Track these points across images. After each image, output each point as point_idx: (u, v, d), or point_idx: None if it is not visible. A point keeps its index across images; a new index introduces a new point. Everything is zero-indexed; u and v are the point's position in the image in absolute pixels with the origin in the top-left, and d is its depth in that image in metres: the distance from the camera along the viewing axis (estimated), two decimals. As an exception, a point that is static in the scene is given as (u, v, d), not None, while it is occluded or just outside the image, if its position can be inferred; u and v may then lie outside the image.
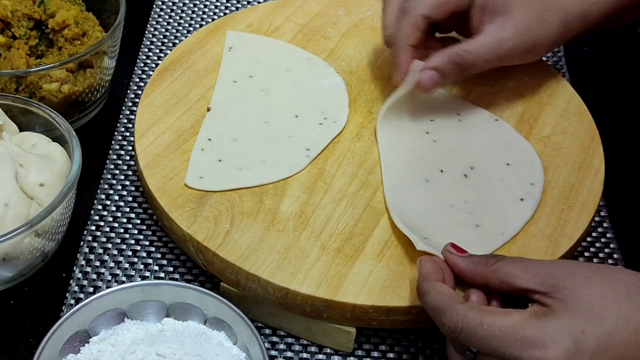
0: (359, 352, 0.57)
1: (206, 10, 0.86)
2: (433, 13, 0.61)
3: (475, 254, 0.52)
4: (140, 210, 0.66)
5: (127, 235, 0.64)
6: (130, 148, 0.71)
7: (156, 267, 0.62)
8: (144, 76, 0.77)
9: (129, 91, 0.76)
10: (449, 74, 0.61)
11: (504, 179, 0.61)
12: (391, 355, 0.57)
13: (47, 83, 0.65)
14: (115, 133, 0.72)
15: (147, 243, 0.63)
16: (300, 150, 0.63)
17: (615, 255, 0.64)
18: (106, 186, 0.67)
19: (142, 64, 0.79)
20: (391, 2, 0.63)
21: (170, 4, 0.86)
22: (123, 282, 0.60)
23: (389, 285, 0.54)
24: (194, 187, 0.59)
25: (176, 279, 0.61)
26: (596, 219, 0.64)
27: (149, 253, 0.63)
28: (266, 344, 0.57)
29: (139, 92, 0.76)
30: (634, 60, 0.82)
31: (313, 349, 0.57)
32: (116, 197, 0.66)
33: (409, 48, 0.61)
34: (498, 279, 0.48)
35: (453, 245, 0.53)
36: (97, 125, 0.72)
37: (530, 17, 0.60)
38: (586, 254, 0.64)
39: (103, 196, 0.66)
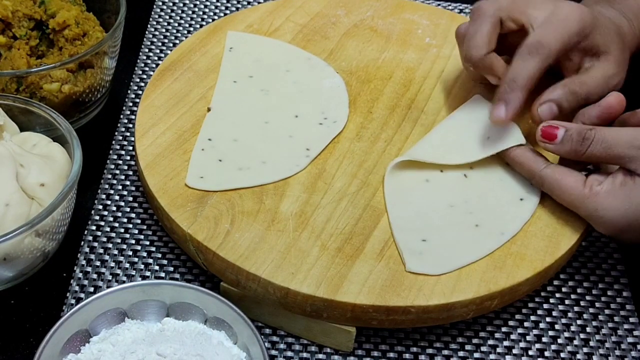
0: (359, 352, 0.57)
1: (206, 10, 0.86)
2: (558, 57, 0.61)
3: (566, 136, 0.57)
4: (141, 210, 0.66)
5: (127, 235, 0.64)
6: (131, 148, 0.71)
7: (157, 267, 0.62)
8: (145, 76, 0.77)
9: (129, 91, 0.76)
10: (566, 105, 0.61)
11: (504, 179, 0.61)
12: (391, 354, 0.57)
13: (47, 83, 0.66)
14: (116, 133, 0.72)
15: (148, 243, 0.63)
16: (300, 150, 0.63)
17: (615, 255, 0.64)
18: (107, 186, 0.67)
19: (142, 64, 0.79)
20: (486, 18, 0.61)
21: (171, 4, 0.86)
22: (123, 282, 0.60)
23: (389, 285, 0.54)
24: (195, 187, 0.59)
25: (176, 279, 0.61)
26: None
27: (149, 253, 0.63)
28: (266, 344, 0.57)
29: (140, 92, 0.76)
30: (633, 61, 0.82)
31: (313, 348, 0.57)
32: (117, 197, 0.67)
33: (528, 92, 0.60)
34: (592, 162, 0.58)
35: (543, 134, 0.58)
36: (97, 125, 0.72)
37: (622, 57, 0.63)
38: (586, 253, 0.64)
39: (103, 196, 0.67)
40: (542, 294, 0.61)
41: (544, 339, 0.58)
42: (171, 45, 0.81)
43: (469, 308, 0.54)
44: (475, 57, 0.61)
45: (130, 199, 0.66)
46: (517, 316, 0.60)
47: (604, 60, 0.62)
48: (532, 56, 0.59)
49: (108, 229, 0.64)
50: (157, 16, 0.84)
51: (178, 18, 0.84)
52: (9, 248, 0.54)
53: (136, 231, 0.64)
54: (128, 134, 0.72)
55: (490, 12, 0.61)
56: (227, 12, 0.86)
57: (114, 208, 0.66)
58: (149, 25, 0.83)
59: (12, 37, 0.67)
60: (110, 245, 0.63)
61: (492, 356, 0.57)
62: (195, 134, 0.63)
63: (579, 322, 0.60)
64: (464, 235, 0.57)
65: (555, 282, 0.62)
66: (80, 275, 0.61)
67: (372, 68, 0.71)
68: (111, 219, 0.65)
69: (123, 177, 0.68)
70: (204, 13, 0.85)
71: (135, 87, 0.76)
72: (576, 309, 0.61)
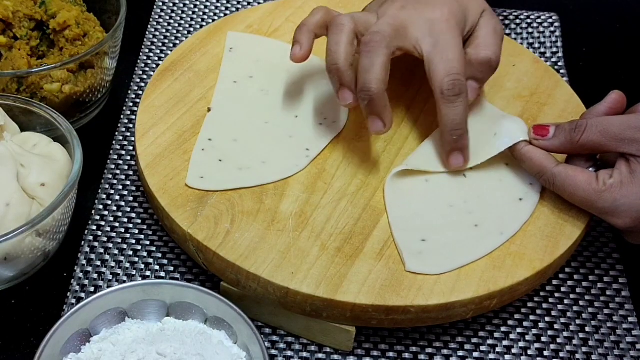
0: (359, 351, 0.57)
1: (206, 11, 0.86)
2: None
3: (558, 129, 0.58)
4: (141, 210, 0.66)
5: (128, 235, 0.64)
6: (131, 148, 0.71)
7: (157, 267, 0.62)
8: (145, 77, 0.78)
9: (129, 91, 0.76)
10: (481, 76, 0.62)
11: (503, 179, 0.61)
12: (391, 354, 0.57)
13: (48, 83, 0.66)
14: (116, 133, 0.72)
15: (148, 242, 0.63)
16: (300, 150, 0.63)
17: (614, 255, 0.64)
18: (107, 186, 0.67)
19: (142, 65, 0.79)
20: (381, 50, 0.57)
21: (171, 4, 0.86)
22: (124, 282, 0.61)
23: (389, 284, 0.54)
24: (195, 187, 0.59)
25: (177, 279, 0.61)
26: (595, 218, 0.64)
27: (149, 252, 0.63)
28: (266, 343, 0.57)
29: (140, 92, 0.76)
30: (632, 61, 0.83)
31: (313, 348, 0.57)
32: (117, 197, 0.67)
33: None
34: (587, 150, 0.57)
35: (535, 131, 0.59)
36: (98, 125, 0.73)
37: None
38: (585, 253, 0.64)
39: (104, 196, 0.67)
40: (541, 293, 0.61)
41: (543, 339, 0.59)
42: (171, 45, 0.81)
43: (469, 308, 0.54)
44: (376, 90, 0.56)
45: (131, 198, 0.67)
46: (517, 316, 0.60)
47: (483, 17, 0.62)
48: (457, 98, 0.58)
49: (108, 229, 0.64)
50: (157, 17, 0.85)
51: (178, 18, 0.85)
52: (9, 248, 0.54)
53: (137, 231, 0.64)
54: (128, 134, 0.72)
55: (383, 46, 0.57)
56: (227, 12, 0.86)
57: (115, 208, 0.66)
58: (149, 26, 0.83)
59: (13, 38, 0.68)
60: (110, 245, 0.63)
61: (491, 356, 0.58)
62: (196, 134, 0.63)
63: (578, 321, 0.60)
64: (464, 235, 0.57)
65: (555, 282, 0.62)
66: (81, 274, 0.61)
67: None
68: (112, 218, 0.65)
69: (123, 177, 0.68)
70: (204, 14, 0.85)
71: (136, 88, 0.76)
72: (575, 308, 0.61)
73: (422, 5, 0.60)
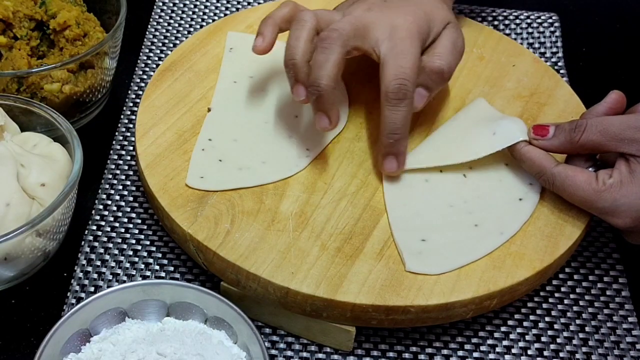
0: (359, 351, 0.57)
1: (207, 11, 0.86)
2: None
3: (558, 129, 0.58)
4: (141, 210, 0.66)
5: (128, 235, 0.64)
6: (131, 148, 0.71)
7: (157, 267, 0.62)
8: (145, 77, 0.78)
9: (129, 92, 0.76)
10: (433, 85, 0.61)
11: (503, 179, 0.61)
12: (391, 354, 0.57)
13: (48, 83, 0.66)
14: (116, 133, 0.72)
15: (148, 242, 0.63)
16: (300, 150, 0.63)
17: (614, 255, 0.64)
18: (107, 186, 0.67)
19: (142, 65, 0.79)
20: (336, 48, 0.57)
21: (171, 4, 0.86)
22: (124, 282, 0.61)
23: (389, 284, 0.54)
24: (195, 187, 0.59)
25: (177, 279, 0.61)
26: (595, 218, 0.64)
27: (149, 252, 0.63)
28: (266, 343, 0.57)
29: (140, 92, 0.76)
30: (632, 61, 0.83)
31: (313, 348, 0.57)
32: (117, 197, 0.67)
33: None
34: (586, 150, 0.57)
35: (535, 131, 0.59)
36: (98, 125, 0.73)
37: (449, 14, 0.64)
38: (585, 253, 0.64)
39: (104, 196, 0.67)
40: (541, 293, 0.62)
41: (543, 339, 0.59)
42: (171, 45, 0.81)
43: (468, 308, 0.54)
44: (326, 87, 0.56)
45: (131, 198, 0.67)
46: (517, 316, 0.60)
47: (447, 29, 0.62)
48: (401, 102, 0.58)
49: (108, 229, 0.64)
50: (157, 17, 0.85)
51: (178, 18, 0.85)
52: (9, 248, 0.54)
53: (137, 231, 0.64)
54: (128, 134, 0.72)
55: (339, 43, 0.57)
56: (227, 12, 0.86)
57: (115, 208, 0.66)
58: (149, 26, 0.83)
59: (13, 38, 0.68)
60: (110, 245, 0.63)
61: (491, 355, 0.58)
62: (196, 134, 0.63)
63: (578, 321, 0.60)
64: (463, 235, 0.57)
65: (554, 282, 0.62)
66: (81, 274, 0.61)
67: (372, 68, 0.71)
68: (112, 218, 0.65)
69: (123, 177, 0.68)
70: (204, 14, 0.85)
71: (136, 88, 0.76)
72: (575, 308, 0.61)
73: (389, 10, 0.61)
